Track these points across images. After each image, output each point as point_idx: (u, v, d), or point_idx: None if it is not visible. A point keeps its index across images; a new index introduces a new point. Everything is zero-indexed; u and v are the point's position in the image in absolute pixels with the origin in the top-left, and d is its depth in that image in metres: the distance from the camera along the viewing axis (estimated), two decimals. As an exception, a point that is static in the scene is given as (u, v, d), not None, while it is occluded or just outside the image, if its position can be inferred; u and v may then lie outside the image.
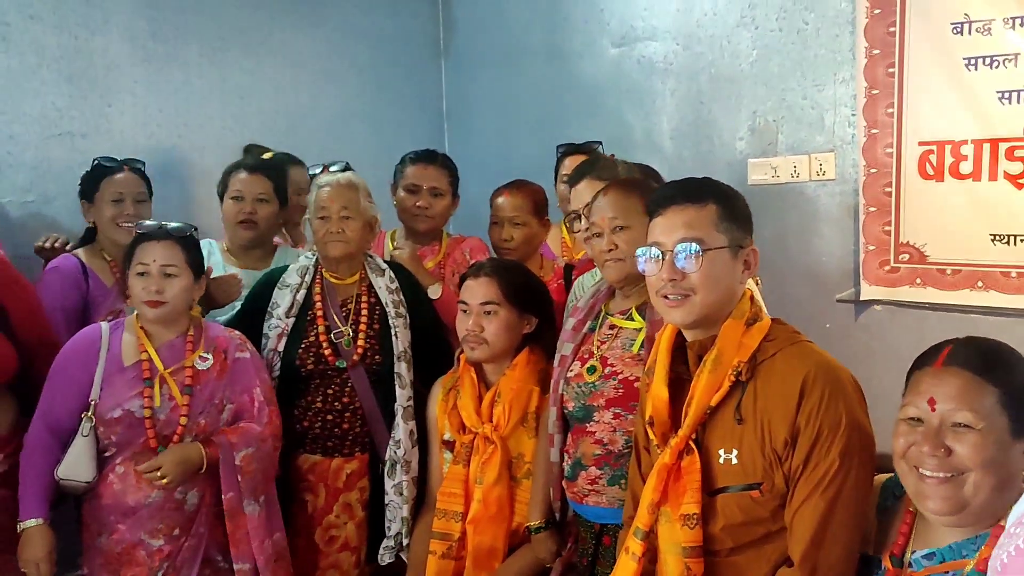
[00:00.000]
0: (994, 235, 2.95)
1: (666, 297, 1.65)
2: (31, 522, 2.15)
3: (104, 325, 2.29)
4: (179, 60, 3.63)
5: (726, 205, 1.65)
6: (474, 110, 4.58)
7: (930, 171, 3.07)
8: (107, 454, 2.20)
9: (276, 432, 2.33)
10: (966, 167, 2.99)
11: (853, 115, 3.23)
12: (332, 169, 3.10)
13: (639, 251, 1.70)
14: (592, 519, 2.04)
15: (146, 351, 2.23)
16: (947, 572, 1.39)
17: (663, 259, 1.65)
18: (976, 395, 1.36)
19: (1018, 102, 2.87)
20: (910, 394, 1.44)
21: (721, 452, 1.60)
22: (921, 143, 3.08)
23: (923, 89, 3.06)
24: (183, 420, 2.20)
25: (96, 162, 2.93)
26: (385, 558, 2.45)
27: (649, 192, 2.09)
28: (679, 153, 3.68)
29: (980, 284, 3.00)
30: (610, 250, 2.05)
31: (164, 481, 2.13)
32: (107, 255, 2.86)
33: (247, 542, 2.20)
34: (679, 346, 1.73)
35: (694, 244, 1.61)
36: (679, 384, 1.69)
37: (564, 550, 2.14)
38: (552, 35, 4.19)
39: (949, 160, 3.02)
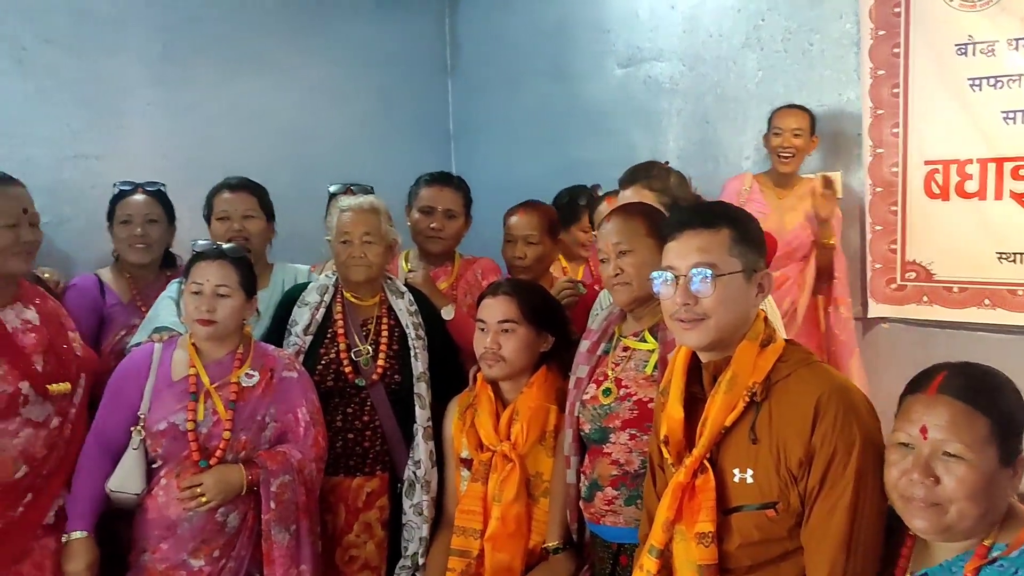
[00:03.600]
0: (1000, 253, 2.99)
1: (681, 320, 1.67)
2: (76, 534, 2.19)
3: (157, 344, 2.34)
4: (192, 82, 3.68)
5: (739, 229, 1.67)
6: (480, 130, 4.63)
7: (936, 190, 3.11)
8: (154, 465, 2.24)
9: (321, 454, 2.35)
10: (972, 186, 3.03)
11: (859, 135, 3.27)
12: (354, 190, 3.13)
13: (654, 274, 1.72)
14: (609, 539, 2.05)
15: (194, 367, 2.27)
16: None
17: (677, 283, 1.66)
18: (968, 426, 1.39)
19: (1023, 122, 2.91)
20: (902, 420, 1.46)
21: (736, 471, 1.62)
22: (927, 162, 3.13)
23: (928, 109, 3.12)
24: (226, 435, 2.23)
25: (116, 186, 2.98)
26: (402, 578, 2.46)
27: (653, 215, 2.13)
28: (684, 173, 3.69)
29: (987, 302, 3.03)
30: (616, 274, 2.07)
31: (204, 499, 2.16)
32: (127, 274, 2.92)
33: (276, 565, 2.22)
34: (694, 366, 1.75)
35: (707, 269, 1.63)
36: (693, 404, 1.71)
37: (581, 572, 2.15)
38: (558, 56, 4.25)
39: (955, 179, 3.06)
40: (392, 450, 2.54)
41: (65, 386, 2.24)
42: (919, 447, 1.42)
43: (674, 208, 2.21)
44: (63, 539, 2.20)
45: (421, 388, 2.53)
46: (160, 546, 2.21)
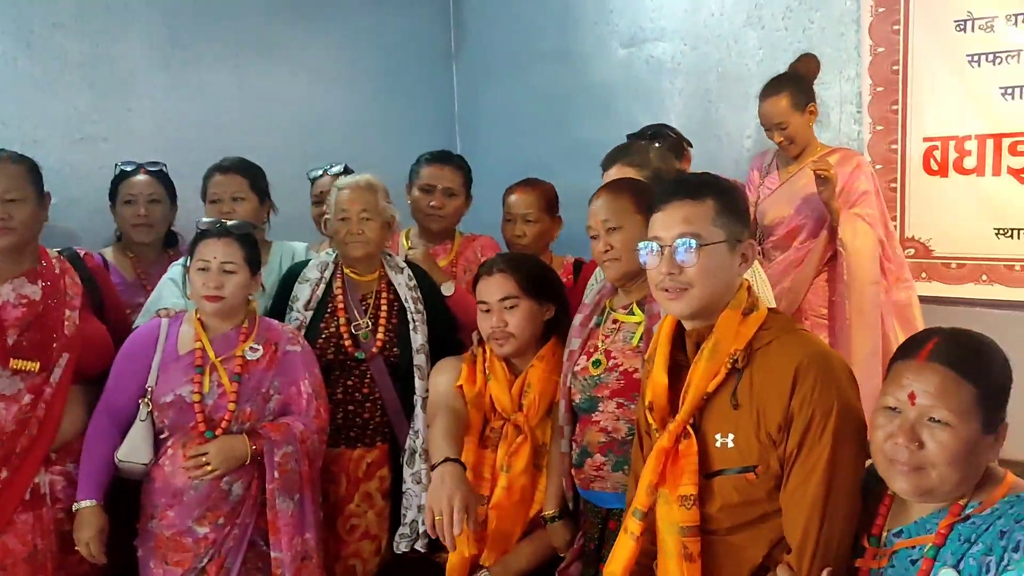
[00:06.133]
0: (998, 229, 3.00)
1: (666, 290, 1.70)
2: (85, 503, 2.26)
3: (164, 319, 2.40)
4: (197, 65, 3.72)
5: (724, 200, 1.70)
6: (485, 112, 4.64)
7: (934, 166, 3.12)
8: (162, 436, 2.31)
9: (323, 426, 2.41)
10: (970, 162, 3.03)
11: (858, 112, 3.28)
12: (332, 171, 3.17)
13: (640, 244, 1.75)
14: (598, 504, 2.11)
15: (200, 341, 2.34)
16: (913, 547, 1.47)
17: (662, 253, 1.69)
18: (954, 393, 1.41)
19: (1021, 97, 2.92)
20: (891, 385, 1.49)
21: (717, 436, 1.65)
22: (926, 139, 3.13)
23: (927, 86, 3.11)
24: (231, 407, 2.29)
25: (117, 166, 3.03)
26: (401, 546, 2.51)
27: (641, 191, 2.15)
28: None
29: (985, 278, 3.04)
30: (606, 251, 2.12)
31: (209, 468, 2.22)
32: (130, 252, 2.98)
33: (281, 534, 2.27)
34: (678, 335, 1.78)
35: (691, 239, 1.66)
36: (678, 371, 1.74)
37: (577, 540, 2.20)
38: (562, 37, 4.25)
39: (953, 155, 3.06)
40: (392, 421, 2.59)
41: (31, 364, 2.26)
42: (906, 412, 1.45)
43: (661, 180, 2.24)
44: (73, 507, 2.27)
45: (420, 360, 2.58)
46: (167, 513, 2.27)
